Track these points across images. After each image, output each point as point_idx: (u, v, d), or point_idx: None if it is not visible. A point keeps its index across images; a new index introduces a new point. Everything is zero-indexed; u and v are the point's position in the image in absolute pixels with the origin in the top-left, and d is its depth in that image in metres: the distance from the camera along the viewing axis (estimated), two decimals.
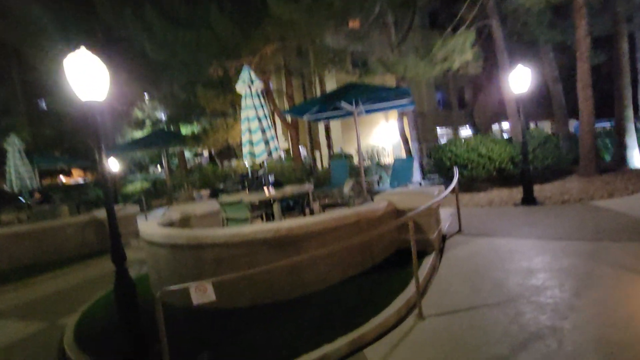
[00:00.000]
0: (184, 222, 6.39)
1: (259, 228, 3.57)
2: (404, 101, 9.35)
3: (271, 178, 5.49)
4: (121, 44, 12.67)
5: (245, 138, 5.02)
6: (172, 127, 16.07)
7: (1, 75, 15.93)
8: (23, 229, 7.48)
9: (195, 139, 11.39)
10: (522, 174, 6.24)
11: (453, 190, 4.63)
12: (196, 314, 3.54)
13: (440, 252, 4.46)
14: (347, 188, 5.57)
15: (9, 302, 5.52)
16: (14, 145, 8.50)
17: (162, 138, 11.83)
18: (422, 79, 9.04)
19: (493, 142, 8.03)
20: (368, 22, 10.47)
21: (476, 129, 24.42)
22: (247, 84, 5.04)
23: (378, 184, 10.42)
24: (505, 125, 32.17)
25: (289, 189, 5.16)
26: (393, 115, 24.68)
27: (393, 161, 10.49)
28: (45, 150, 16.86)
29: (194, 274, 3.83)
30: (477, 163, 7.77)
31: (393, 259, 4.33)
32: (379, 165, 14.10)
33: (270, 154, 5.02)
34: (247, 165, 6.36)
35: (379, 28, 10.82)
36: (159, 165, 29.64)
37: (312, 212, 5.40)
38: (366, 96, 8.41)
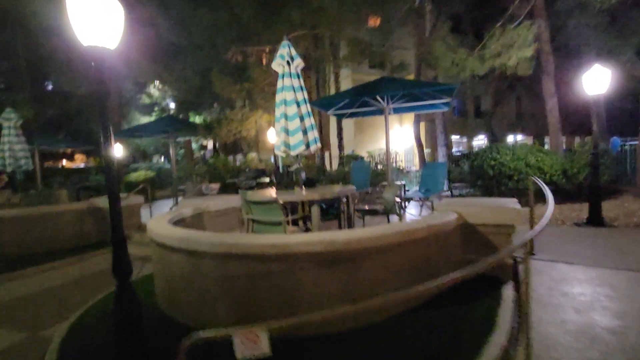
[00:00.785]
0: (197, 219, 5.57)
1: (306, 238, 2.74)
2: (440, 101, 8.53)
3: (302, 175, 4.66)
4: (133, 22, 11.88)
5: (279, 125, 4.19)
6: (181, 115, 15.28)
7: (5, 49, 15.14)
8: (10, 214, 6.65)
9: (208, 129, 10.57)
10: (591, 191, 5.39)
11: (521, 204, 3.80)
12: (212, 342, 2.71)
13: (515, 279, 3.62)
14: (390, 193, 4.73)
15: None
16: (10, 121, 7.68)
17: (172, 125, 10.99)
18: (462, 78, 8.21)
19: (543, 152, 7.19)
20: (401, 12, 9.67)
21: (494, 139, 23.57)
22: (286, 61, 4.22)
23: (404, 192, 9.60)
24: (519, 137, 31.30)
25: (330, 189, 4.33)
26: (408, 119, 23.89)
27: (424, 166, 9.64)
28: (47, 131, 16.09)
29: (216, 291, 3.00)
30: (525, 174, 6.92)
31: (459, 286, 3.48)
32: (398, 170, 13.27)
33: (308, 145, 4.19)
34: (277, 157, 5.52)
35: (413, 20, 10.02)
36: (162, 156, 28.89)
37: (349, 219, 4.57)
38: (404, 92, 7.59)
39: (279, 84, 4.29)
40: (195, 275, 3.11)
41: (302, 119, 4.15)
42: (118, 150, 13.54)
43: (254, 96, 10.75)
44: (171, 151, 12.22)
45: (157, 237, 3.49)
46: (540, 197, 6.34)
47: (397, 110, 8.83)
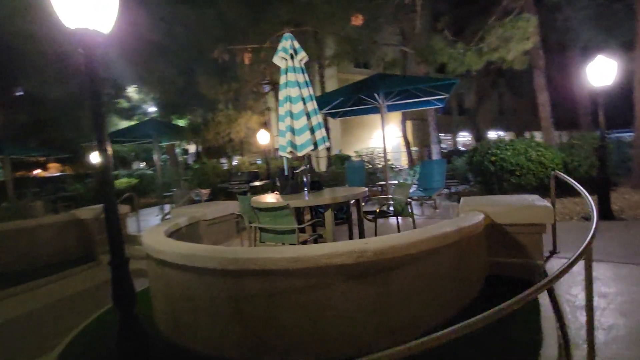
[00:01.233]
0: (192, 229, 5.15)
1: (334, 250, 2.43)
2: (435, 98, 8.39)
3: (307, 177, 4.33)
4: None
5: (284, 125, 3.86)
6: (164, 119, 14.62)
7: None
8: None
9: (194, 132, 10.07)
10: (600, 183, 5.30)
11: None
12: None
13: (551, 295, 3.42)
14: (401, 194, 4.48)
15: None
16: None
17: (156, 129, 10.45)
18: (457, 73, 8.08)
19: (541, 147, 7.13)
20: (391, 8, 9.47)
21: (479, 135, 23.87)
22: (289, 55, 3.89)
23: None
24: (501, 133, 31.92)
25: (341, 192, 4.02)
26: (393, 118, 23.89)
27: (421, 164, 9.47)
28: (19, 139, 15.10)
29: (229, 312, 2.65)
30: (527, 169, 6.82)
31: (489, 292, 3.25)
32: (392, 169, 13.10)
33: (316, 145, 3.87)
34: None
35: (403, 15, 9.85)
36: (144, 162, 27.85)
37: (361, 224, 4.28)
38: (403, 88, 7.39)
39: (282, 79, 3.96)
40: (203, 296, 2.74)
41: (309, 116, 3.83)
42: (95, 157, 12.82)
43: (242, 97, 10.34)
44: (155, 156, 11.65)
45: (156, 253, 3.10)
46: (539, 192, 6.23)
47: (391, 108, 8.64)
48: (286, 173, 4.24)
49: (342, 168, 11.61)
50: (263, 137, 10.05)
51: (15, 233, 6.27)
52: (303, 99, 3.83)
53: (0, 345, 3.71)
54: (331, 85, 21.49)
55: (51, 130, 18.64)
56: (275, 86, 11.67)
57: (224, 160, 25.67)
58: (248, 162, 10.16)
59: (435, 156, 10.97)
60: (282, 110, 3.93)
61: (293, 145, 3.82)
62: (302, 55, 3.93)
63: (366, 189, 4.30)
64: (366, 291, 2.54)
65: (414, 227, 4.44)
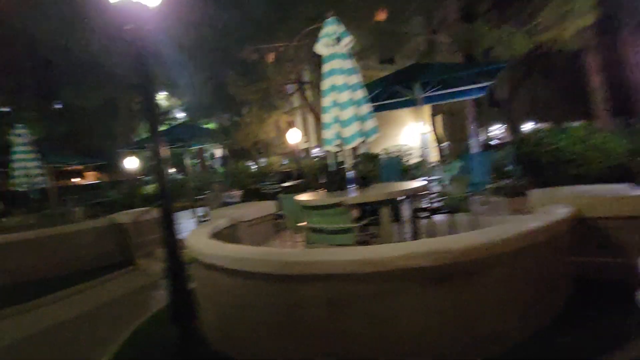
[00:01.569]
0: (233, 230, 4.96)
1: (409, 250, 2.09)
2: (477, 86, 7.84)
3: (351, 172, 4.00)
4: None
5: (329, 116, 3.57)
6: (192, 122, 14.79)
7: (13, 68, 14.86)
8: (26, 237, 6.13)
9: (225, 133, 10.02)
10: None
11: None
12: None
13: None
14: (458, 188, 4.05)
15: None
16: (20, 137, 7.21)
17: (188, 132, 10.49)
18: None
19: (603, 133, 6.43)
20: None
21: (516, 128, 22.51)
22: (333, 41, 3.59)
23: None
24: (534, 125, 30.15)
25: (399, 187, 3.67)
26: (422, 114, 23.14)
27: (464, 157, 8.91)
28: (58, 149, 15.74)
29: (285, 322, 2.36)
30: (589, 158, 6.16)
31: (580, 298, 2.79)
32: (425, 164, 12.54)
33: (367, 136, 3.55)
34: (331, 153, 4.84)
35: (435, 3, 9.36)
36: (173, 167, 28.48)
37: (415, 221, 3.90)
38: (445, 77, 6.93)
39: (325, 68, 3.67)
40: (256, 303, 2.47)
41: (357, 105, 3.51)
42: (133, 163, 13.10)
43: (271, 96, 10.20)
44: (186, 160, 11.73)
45: (204, 256, 2.86)
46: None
47: (428, 100, 8.16)
48: (333, 168, 3.93)
49: (370, 167, 11.12)
50: (293, 136, 9.83)
51: (57, 238, 6.34)
52: (350, 87, 3.51)
53: (43, 356, 3.61)
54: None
55: (88, 138, 19.39)
56: (301, 85, 11.44)
57: (250, 163, 25.82)
58: (278, 163, 9.98)
59: (475, 150, 10.34)
60: (326, 101, 3.63)
61: (341, 137, 3.51)
62: (348, 40, 3.62)
63: (426, 182, 3.92)
64: (444, 298, 2.18)
65: (473, 225, 4.00)
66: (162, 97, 22.45)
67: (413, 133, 24.63)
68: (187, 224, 8.65)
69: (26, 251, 6.10)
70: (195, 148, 13.10)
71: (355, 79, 3.57)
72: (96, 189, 16.77)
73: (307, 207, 3.23)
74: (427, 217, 3.95)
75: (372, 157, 16.54)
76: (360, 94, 3.58)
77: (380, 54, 22.28)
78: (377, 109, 9.00)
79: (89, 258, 6.66)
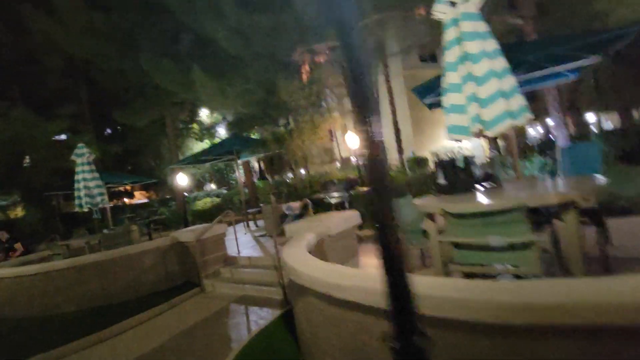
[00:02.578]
0: (318, 246, 4.22)
1: None
2: (569, 66, 6.63)
3: (479, 170, 3.11)
4: (193, 48, 11.36)
5: (460, 96, 2.73)
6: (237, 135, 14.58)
7: (70, 94, 15.54)
8: (93, 259, 5.78)
9: (278, 141, 9.48)
10: None
11: None
12: None
13: None
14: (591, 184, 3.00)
15: None
16: (82, 157, 7.04)
17: (239, 144, 10.07)
18: None
19: None
20: None
21: (629, 115, 19.38)
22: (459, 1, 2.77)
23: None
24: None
25: (583, 183, 2.72)
26: None
27: (567, 149, 7.65)
28: (111, 169, 16.17)
29: None
30: None
31: None
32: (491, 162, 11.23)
33: (514, 117, 2.66)
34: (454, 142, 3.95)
35: None
36: (214, 182, 28.79)
37: (602, 228, 2.90)
38: (543, 54, 5.85)
39: (448, 35, 2.86)
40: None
41: (499, 77, 2.66)
42: (182, 179, 12.97)
43: (324, 100, 9.57)
44: (237, 172, 11.33)
45: (316, 284, 2.08)
46: None
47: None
48: (459, 164, 3.07)
49: (421, 172, 9.98)
50: (352, 140, 9.05)
51: (123, 260, 5.95)
52: (488, 55, 2.67)
53: None
54: (397, 85, 20.10)
55: (137, 158, 19.98)
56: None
57: (288, 174, 25.50)
58: (333, 171, 9.24)
59: (561, 142, 8.98)
60: (453, 77, 2.81)
61: (481, 120, 2.66)
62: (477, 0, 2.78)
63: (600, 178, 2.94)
64: None
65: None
66: (204, 115, 22.86)
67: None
68: (245, 240, 8.10)
69: (93, 275, 5.74)
70: (242, 160, 12.72)
71: (493, 44, 2.72)
72: (146, 208, 16.99)
73: (455, 215, 2.39)
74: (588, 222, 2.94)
75: (420, 162, 15.13)
76: (500, 63, 2.71)
77: (425, 51, 21.13)
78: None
79: (154, 280, 6.22)
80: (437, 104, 8.15)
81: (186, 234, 6.54)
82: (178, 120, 19.81)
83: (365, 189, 7.29)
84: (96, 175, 7.15)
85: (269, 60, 9.76)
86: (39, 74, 14.02)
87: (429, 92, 7.27)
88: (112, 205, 20.04)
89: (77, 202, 7.04)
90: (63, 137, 16.35)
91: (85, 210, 7.12)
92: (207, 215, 12.62)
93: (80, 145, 7.20)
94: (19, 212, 14.88)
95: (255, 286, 5.67)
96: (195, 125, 22.61)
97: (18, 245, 7.69)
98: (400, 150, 18.74)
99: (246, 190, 18.43)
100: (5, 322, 5.63)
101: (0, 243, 7.76)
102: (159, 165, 21.47)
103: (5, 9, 12.92)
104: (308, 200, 6.29)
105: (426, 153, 20.78)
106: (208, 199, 13.74)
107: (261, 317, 4.65)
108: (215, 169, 25.05)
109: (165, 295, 5.95)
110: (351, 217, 4.78)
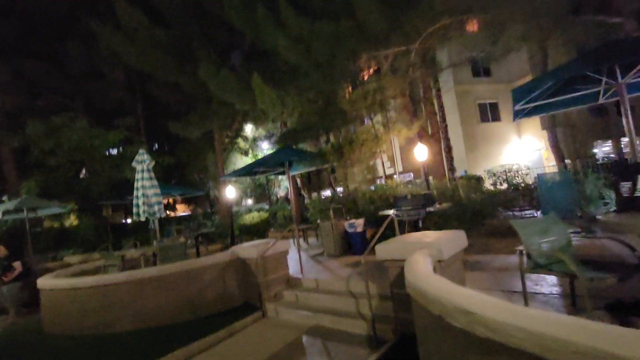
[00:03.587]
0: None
1: None
2: None
3: None
4: (251, 58, 11.21)
5: None
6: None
7: (127, 103, 16.08)
8: (147, 275, 5.24)
9: (337, 153, 8.82)
10: None
11: None
12: None
13: None
14: None
15: None
16: (142, 163, 6.73)
17: (293, 155, 9.53)
18: None
19: None
20: None
21: None
22: None
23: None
24: None
25: None
26: (529, 127, 20.05)
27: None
28: (161, 181, 16.32)
29: None
30: None
31: None
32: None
33: None
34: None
35: None
36: (250, 199, 28.56)
37: None
38: None
39: None
40: None
41: None
42: (230, 192, 12.64)
43: (386, 109, 8.85)
44: (290, 186, 10.75)
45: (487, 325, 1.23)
46: None
47: (635, 89, 5.92)
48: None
49: (476, 193, 8.70)
50: (421, 152, 8.16)
51: (180, 277, 5.37)
52: None
53: None
54: (449, 99, 19.05)
55: (184, 171, 20.23)
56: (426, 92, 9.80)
57: (326, 191, 24.72)
58: (397, 184, 8.34)
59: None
60: None
61: None
62: None
63: None
64: None
65: None
66: (249, 129, 22.98)
67: (517, 150, 21.31)
68: (296, 258, 7.26)
69: (150, 291, 5.19)
70: (296, 172, 12.20)
71: None
72: (190, 221, 16.88)
73: None
74: None
75: (472, 179, 13.74)
76: None
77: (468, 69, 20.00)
78: (547, 108, 6.98)
79: (212, 300, 5.58)
80: (524, 113, 7.12)
81: (248, 250, 5.89)
82: (225, 134, 19.99)
83: (444, 205, 6.32)
84: (155, 183, 6.79)
85: (329, 69, 9.25)
86: (101, 87, 14.63)
87: (527, 94, 6.33)
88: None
89: (135, 210, 6.68)
90: (114, 151, 16.91)
91: (143, 219, 6.74)
92: (254, 230, 12.09)
93: (141, 151, 6.92)
94: (72, 220, 15.30)
95: (328, 316, 4.84)
96: (240, 140, 22.76)
97: (17, 265, 6.84)
98: (452, 169, 17.37)
99: (289, 207, 17.96)
100: (54, 340, 5.17)
101: None
102: (202, 179, 21.64)
103: (76, 25, 13.72)
104: (393, 216, 5.44)
105: (480, 172, 19.27)
106: (255, 213, 13.28)
107: (351, 357, 3.78)
108: (257, 184, 24.91)
109: (224, 318, 5.27)
110: (459, 238, 3.87)
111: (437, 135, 12.24)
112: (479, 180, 14.25)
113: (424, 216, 6.53)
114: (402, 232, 6.35)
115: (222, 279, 5.74)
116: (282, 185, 24.27)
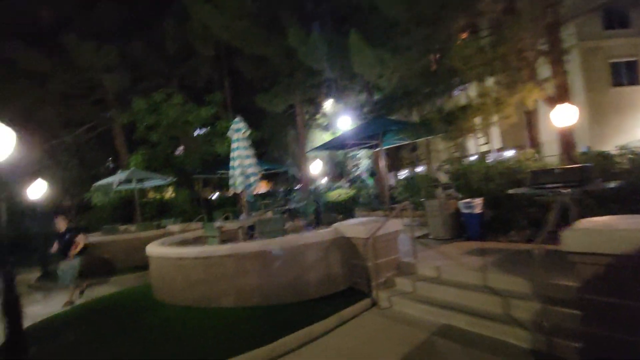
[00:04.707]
0: None
1: None
2: None
3: None
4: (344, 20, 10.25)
5: None
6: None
7: (215, 80, 16.51)
8: (249, 249, 4.80)
9: (448, 122, 7.49)
10: None
11: None
12: None
13: None
14: None
15: None
16: (239, 132, 6.35)
17: (391, 126, 8.42)
18: None
19: None
20: None
21: None
22: None
23: None
24: None
25: None
26: None
27: None
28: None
29: None
30: None
31: None
32: None
33: None
34: None
35: None
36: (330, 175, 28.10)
37: None
38: None
39: None
40: None
41: None
42: (316, 167, 12.12)
43: (511, 66, 7.13)
44: (379, 161, 9.73)
45: None
46: None
47: None
48: None
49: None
50: (564, 115, 6.44)
51: (283, 254, 4.84)
52: None
53: None
54: (572, 59, 15.67)
55: (266, 148, 20.55)
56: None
57: (403, 172, 22.93)
58: (533, 157, 6.69)
59: None
60: None
61: None
62: None
63: None
64: None
65: None
66: (328, 105, 22.27)
67: None
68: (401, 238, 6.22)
69: (252, 267, 4.77)
70: (385, 147, 11.13)
71: None
72: (277, 196, 17.03)
73: None
74: None
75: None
76: None
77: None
78: None
79: (316, 281, 4.97)
80: None
81: (354, 228, 5.13)
82: (305, 110, 19.64)
83: (613, 183, 4.67)
84: (251, 152, 6.39)
85: (436, 22, 7.78)
86: (193, 65, 15.17)
87: None
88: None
89: (231, 182, 6.40)
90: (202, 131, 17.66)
91: (239, 191, 6.43)
92: (339, 208, 11.44)
93: (237, 119, 6.55)
94: (171, 193, 16.59)
95: (463, 315, 3.85)
96: (319, 117, 22.26)
97: (80, 238, 6.09)
98: (568, 145, 14.38)
99: (370, 184, 16.95)
100: (164, 309, 5.11)
101: (59, 236, 6.12)
102: (282, 156, 21.78)
103: (171, 4, 14.28)
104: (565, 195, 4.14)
105: (610, 148, 15.73)
106: (341, 190, 12.64)
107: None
108: (335, 161, 24.34)
109: (330, 303, 4.63)
110: None
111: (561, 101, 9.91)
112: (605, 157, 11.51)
113: (579, 196, 5.00)
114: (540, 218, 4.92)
115: (325, 259, 5.09)
116: (362, 163, 23.30)
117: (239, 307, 4.69)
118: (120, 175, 9.85)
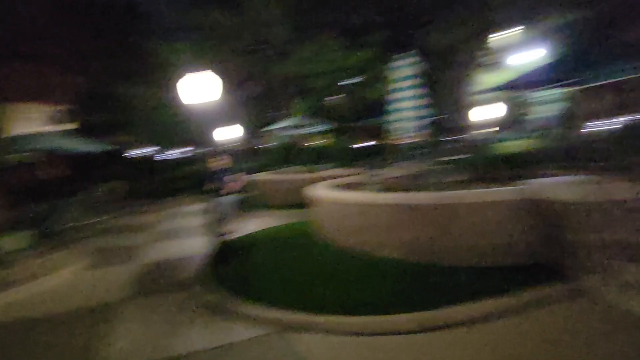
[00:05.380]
0: None
1: None
2: None
3: None
4: None
5: None
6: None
7: (372, 20, 15.41)
8: (421, 200, 4.30)
9: None
10: None
11: None
12: None
13: None
14: None
15: None
16: (405, 70, 5.59)
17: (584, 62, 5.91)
18: None
19: None
20: None
21: None
22: None
23: None
24: None
25: None
26: None
27: None
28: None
29: None
30: None
31: None
32: None
33: None
34: None
35: None
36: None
37: None
38: None
39: None
40: None
41: None
42: (499, 110, 10.15)
43: None
44: (586, 104, 7.26)
45: None
46: None
47: None
48: None
49: None
50: None
51: (459, 209, 4.16)
52: None
53: None
54: None
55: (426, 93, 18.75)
56: None
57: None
58: None
59: None
60: None
61: None
62: None
63: None
64: None
65: None
66: (494, 38, 18.27)
67: None
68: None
69: (423, 219, 4.33)
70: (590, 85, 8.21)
71: None
72: (436, 145, 15.60)
73: None
74: None
75: None
76: None
77: None
78: None
79: (493, 248, 4.15)
80: None
81: (555, 188, 3.90)
82: (469, 48, 16.76)
83: None
84: (418, 93, 5.59)
85: None
86: (350, 5, 14.51)
87: None
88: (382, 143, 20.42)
89: (392, 127, 5.86)
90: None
91: (403, 139, 5.88)
92: (516, 163, 9.38)
93: (396, 56, 5.75)
94: (326, 140, 17.48)
95: None
96: (487, 54, 18.64)
97: (238, 177, 5.82)
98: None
99: (558, 135, 13.27)
100: (327, 248, 5.31)
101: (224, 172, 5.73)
102: (440, 102, 19.60)
103: None
104: None
105: None
106: (517, 142, 10.39)
107: None
108: (512, 105, 20.44)
109: (508, 276, 3.77)
110: None
111: None
112: None
113: None
114: None
115: (506, 224, 4.14)
116: (542, 109, 18.69)
117: (405, 262, 4.41)
118: (289, 121, 10.75)
